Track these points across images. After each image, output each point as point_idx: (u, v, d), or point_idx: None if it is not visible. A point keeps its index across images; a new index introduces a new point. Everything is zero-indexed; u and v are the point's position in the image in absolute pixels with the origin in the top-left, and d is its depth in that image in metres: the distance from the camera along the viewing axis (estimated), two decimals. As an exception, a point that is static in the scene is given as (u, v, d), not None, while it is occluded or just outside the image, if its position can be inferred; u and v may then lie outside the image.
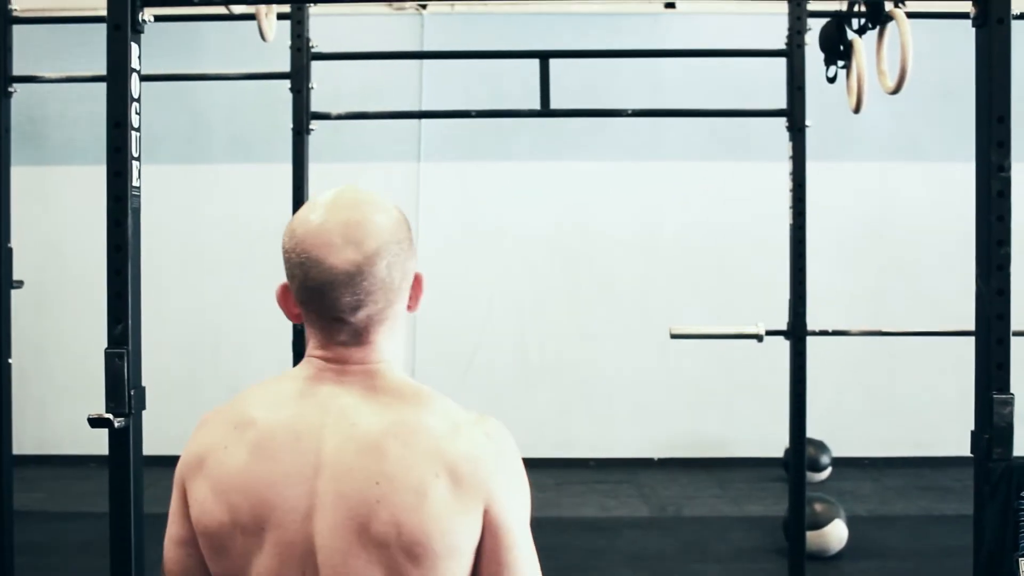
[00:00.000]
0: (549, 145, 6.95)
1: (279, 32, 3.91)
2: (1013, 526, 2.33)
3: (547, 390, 7.27)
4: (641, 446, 7.35)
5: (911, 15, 2.87)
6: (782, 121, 6.47)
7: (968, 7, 2.36)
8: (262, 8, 3.37)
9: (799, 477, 3.81)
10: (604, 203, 7.23)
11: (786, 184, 7.06)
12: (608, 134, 6.82)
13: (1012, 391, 2.30)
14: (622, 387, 7.37)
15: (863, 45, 3.17)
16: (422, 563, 1.32)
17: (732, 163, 7.29)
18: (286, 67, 3.88)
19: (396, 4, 6.98)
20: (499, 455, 1.41)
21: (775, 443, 7.00)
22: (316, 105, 3.95)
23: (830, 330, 3.87)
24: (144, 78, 4.31)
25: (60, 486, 6.68)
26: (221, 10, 3.47)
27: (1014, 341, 2.35)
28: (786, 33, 3.78)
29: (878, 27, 3.01)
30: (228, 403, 1.44)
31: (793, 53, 3.75)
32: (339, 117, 3.97)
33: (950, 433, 7.29)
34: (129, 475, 2.32)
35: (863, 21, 3.07)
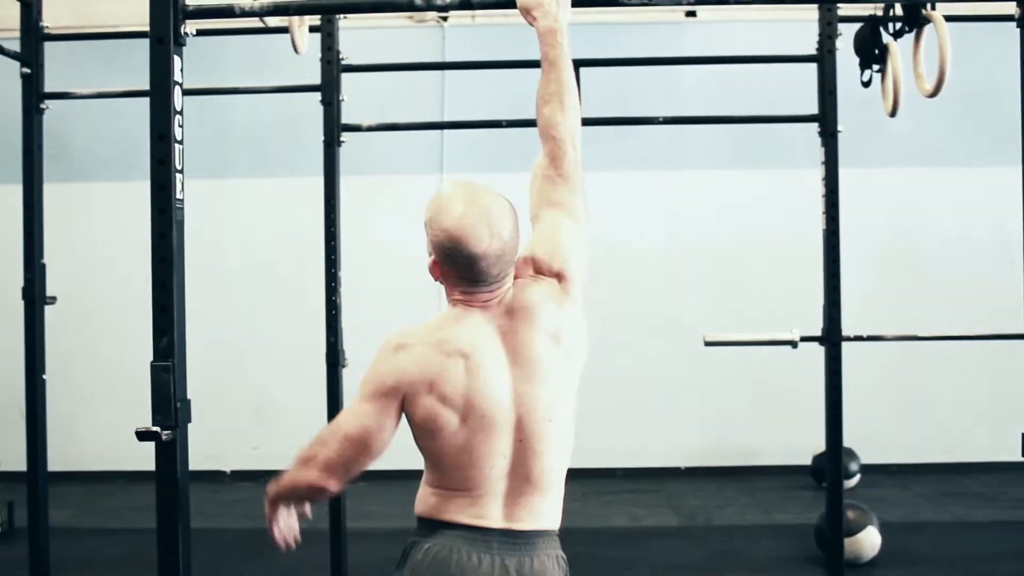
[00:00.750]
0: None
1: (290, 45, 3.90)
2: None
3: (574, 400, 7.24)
4: (669, 455, 7.32)
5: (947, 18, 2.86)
6: (803, 127, 6.51)
7: (1000, 8, 2.34)
8: (295, 20, 3.37)
9: (836, 485, 3.79)
10: (630, 212, 7.22)
11: (808, 190, 7.09)
12: (631, 143, 6.81)
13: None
14: (649, 397, 7.35)
15: (898, 48, 3.16)
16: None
17: (754, 171, 7.28)
18: (304, 80, 3.87)
19: (417, 16, 6.99)
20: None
21: (801, 451, 6.97)
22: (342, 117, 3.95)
23: (864, 335, 3.84)
24: (132, 94, 4.34)
25: (88, 502, 6.69)
26: (256, 22, 3.47)
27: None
28: (816, 38, 3.77)
29: (915, 30, 2.99)
30: (415, 334, 2.03)
31: (824, 58, 3.75)
32: (370, 129, 3.98)
33: (979, 439, 7.29)
34: (176, 488, 2.31)
35: (899, 25, 3.05)
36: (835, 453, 3.78)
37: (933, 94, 2.91)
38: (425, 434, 2.02)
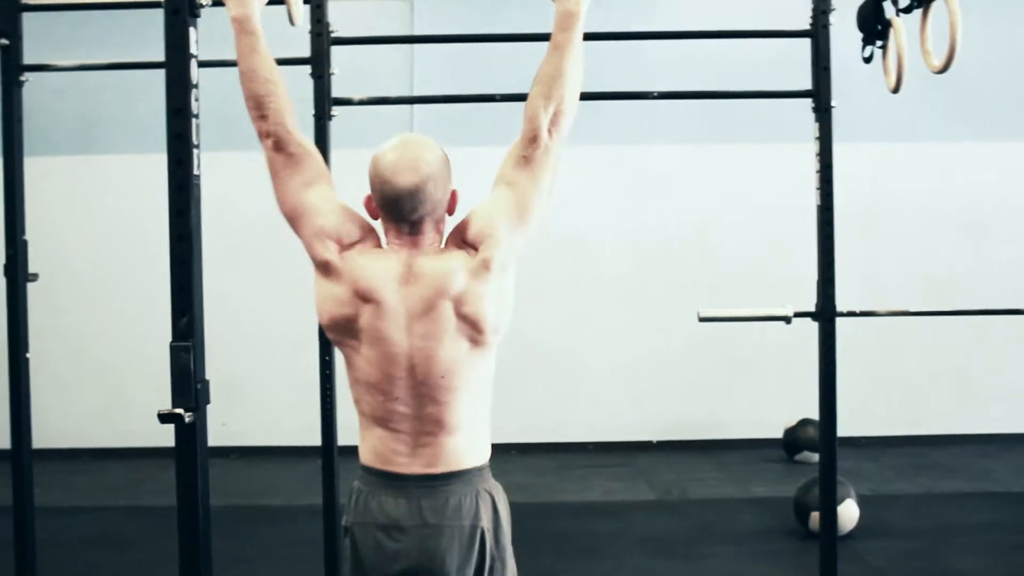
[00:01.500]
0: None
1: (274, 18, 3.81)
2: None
3: (545, 375, 7.25)
4: (639, 429, 7.35)
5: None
6: (777, 103, 6.52)
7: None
8: (291, -9, 3.30)
9: (830, 460, 3.82)
10: (600, 188, 7.22)
11: (778, 165, 7.12)
12: (603, 118, 6.78)
13: None
14: (619, 371, 7.36)
15: (902, 24, 3.16)
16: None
17: (724, 145, 7.30)
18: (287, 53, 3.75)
19: (386, -11, 6.92)
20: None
21: (771, 424, 7.04)
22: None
23: (858, 311, 3.85)
24: (142, 66, 4.25)
25: (54, 480, 6.57)
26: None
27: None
28: (810, 13, 3.76)
29: (922, 7, 3.00)
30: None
31: (819, 33, 3.74)
32: (361, 103, 3.91)
33: (946, 412, 7.40)
34: (197, 470, 2.26)
35: (906, 1, 3.05)
36: (829, 429, 3.80)
37: (943, 70, 2.91)
38: (339, 317, 2.23)
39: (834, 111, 3.74)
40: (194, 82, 2.30)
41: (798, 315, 3.76)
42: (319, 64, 3.79)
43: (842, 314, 3.75)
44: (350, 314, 2.21)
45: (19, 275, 3.75)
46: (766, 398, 7.29)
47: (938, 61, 2.95)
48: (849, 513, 5.07)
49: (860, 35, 3.62)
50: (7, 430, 3.74)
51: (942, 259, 7.32)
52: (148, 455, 7.09)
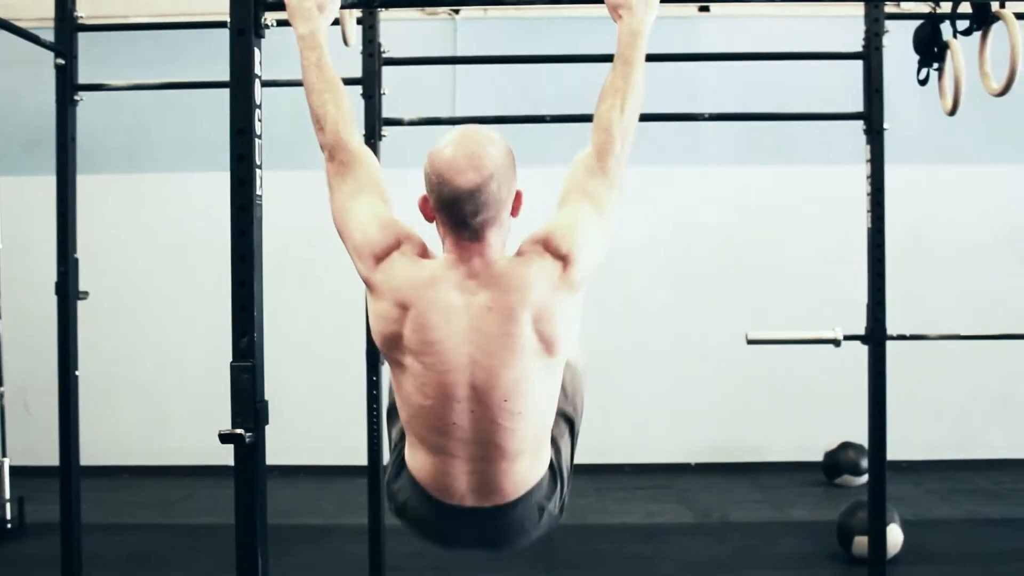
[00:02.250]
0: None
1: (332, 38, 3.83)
2: None
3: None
4: (677, 451, 7.31)
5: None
6: (823, 125, 6.51)
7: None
8: (345, 13, 3.31)
9: (879, 485, 3.78)
10: (643, 209, 7.19)
11: (820, 188, 7.10)
12: (645, 139, 6.75)
13: None
14: (658, 393, 7.33)
15: (960, 46, 3.15)
16: None
17: (768, 167, 7.27)
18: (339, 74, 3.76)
19: (429, 10, 6.94)
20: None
21: (810, 448, 6.98)
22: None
23: (908, 334, 3.82)
24: (196, 85, 4.28)
25: (93, 497, 6.58)
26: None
27: None
28: (863, 36, 3.75)
29: (981, 29, 2.98)
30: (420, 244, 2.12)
31: (871, 55, 3.73)
32: (412, 123, 3.92)
33: (989, 436, 7.32)
34: (255, 490, 2.26)
35: (967, 23, 3.03)
36: (879, 453, 3.77)
37: (1002, 93, 2.89)
38: (387, 334, 2.08)
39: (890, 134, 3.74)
40: (257, 102, 2.31)
41: (848, 338, 3.74)
42: (370, 84, 3.80)
43: (892, 337, 3.72)
44: (397, 331, 2.05)
45: (70, 293, 3.79)
46: (806, 421, 7.24)
47: (997, 84, 2.93)
48: (893, 538, 5.00)
49: (904, 57, 3.62)
50: (36, 445, 3.77)
51: (987, 281, 7.24)
52: (184, 473, 7.12)
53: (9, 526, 5.64)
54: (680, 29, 6.80)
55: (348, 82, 3.74)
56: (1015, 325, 6.61)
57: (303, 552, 5.46)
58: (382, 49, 3.81)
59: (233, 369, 2.25)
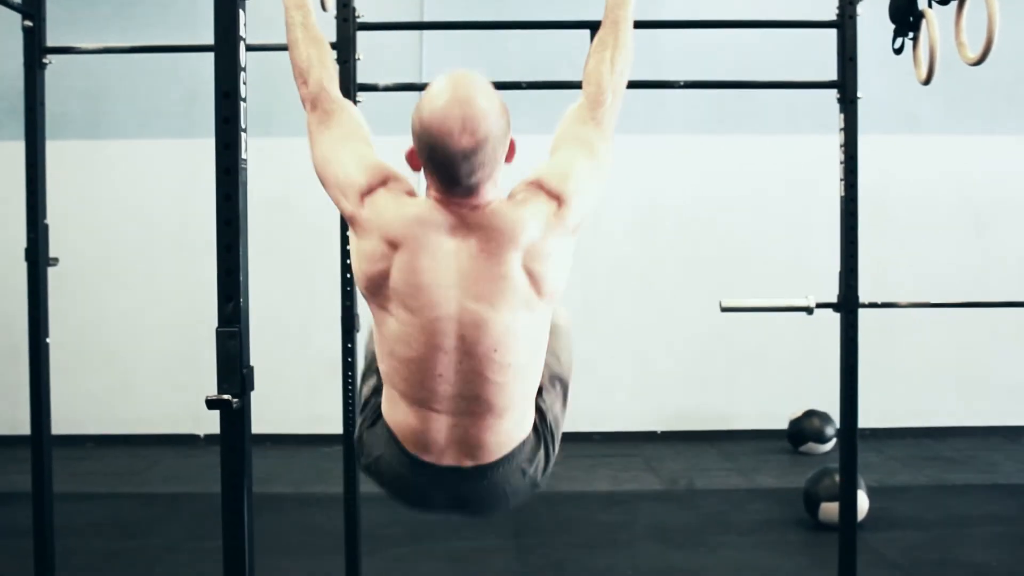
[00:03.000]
0: (549, 119, 6.87)
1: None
2: None
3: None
4: (644, 419, 7.36)
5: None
6: (790, 96, 6.53)
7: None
8: (323, -24, 3.28)
9: (850, 453, 3.81)
10: (612, 175, 7.19)
11: (788, 157, 7.14)
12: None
13: None
14: (624, 360, 7.37)
15: (935, 16, 3.17)
16: None
17: (734, 136, 7.30)
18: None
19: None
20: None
21: (775, 415, 7.06)
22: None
23: (879, 302, 3.85)
24: (170, 49, 4.24)
25: (59, 466, 6.53)
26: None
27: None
28: (836, 4, 3.76)
29: (959, -2, 3.00)
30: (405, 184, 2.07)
31: (845, 24, 3.73)
32: (387, 88, 3.89)
33: (949, 404, 7.42)
34: (243, 456, 2.25)
35: (945, -8, 3.05)
36: (850, 421, 3.80)
37: (978, 62, 2.92)
38: (373, 274, 2.01)
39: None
40: (242, 65, 2.28)
41: (820, 306, 3.75)
42: (345, 49, 3.75)
43: (864, 305, 3.74)
44: (384, 269, 1.98)
45: (40, 259, 3.73)
46: (771, 389, 7.31)
47: (973, 54, 2.95)
48: (860, 504, 5.05)
49: (873, 26, 3.65)
50: (7, 415, 3.72)
51: (948, 251, 7.34)
52: (151, 442, 7.08)
53: (-26, 497, 5.59)
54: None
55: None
56: (973, 293, 6.74)
57: (273, 520, 5.44)
58: (356, 14, 3.77)
59: (219, 335, 2.23)
